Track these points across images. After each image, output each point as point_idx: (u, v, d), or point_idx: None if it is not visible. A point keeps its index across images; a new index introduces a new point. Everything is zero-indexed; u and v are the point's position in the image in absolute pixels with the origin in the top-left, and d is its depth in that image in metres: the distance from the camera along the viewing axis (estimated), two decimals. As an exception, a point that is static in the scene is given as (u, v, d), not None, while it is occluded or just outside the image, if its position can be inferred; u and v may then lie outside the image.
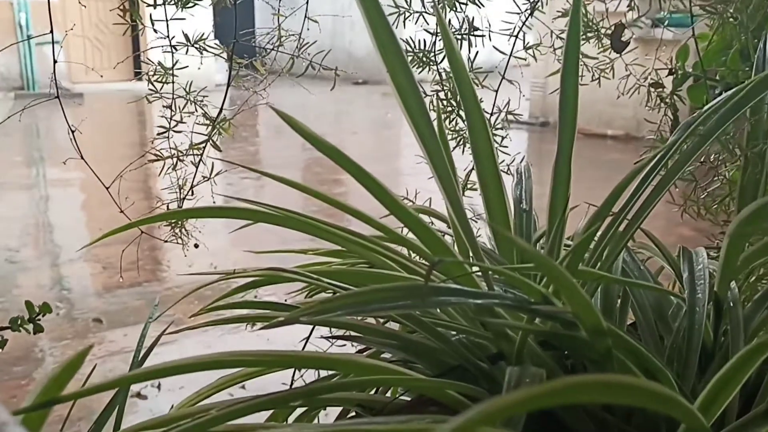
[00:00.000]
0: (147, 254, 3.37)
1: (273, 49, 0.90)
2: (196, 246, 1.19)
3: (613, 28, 1.00)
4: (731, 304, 0.72)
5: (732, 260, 0.66)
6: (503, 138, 1.07)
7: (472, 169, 1.16)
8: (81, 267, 3.28)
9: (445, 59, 0.98)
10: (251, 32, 1.02)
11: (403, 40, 1.02)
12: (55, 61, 0.98)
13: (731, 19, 1.11)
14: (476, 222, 0.95)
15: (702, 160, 0.88)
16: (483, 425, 0.28)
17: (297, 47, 0.92)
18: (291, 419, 0.78)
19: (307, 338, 0.92)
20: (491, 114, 1.09)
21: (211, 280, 0.78)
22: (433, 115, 1.03)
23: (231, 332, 2.44)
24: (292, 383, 0.94)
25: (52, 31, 0.99)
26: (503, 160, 1.10)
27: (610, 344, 0.55)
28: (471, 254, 0.68)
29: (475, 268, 0.69)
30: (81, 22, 9.16)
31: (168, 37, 0.95)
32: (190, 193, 0.94)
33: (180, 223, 0.99)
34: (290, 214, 0.73)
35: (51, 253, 3.53)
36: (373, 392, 0.79)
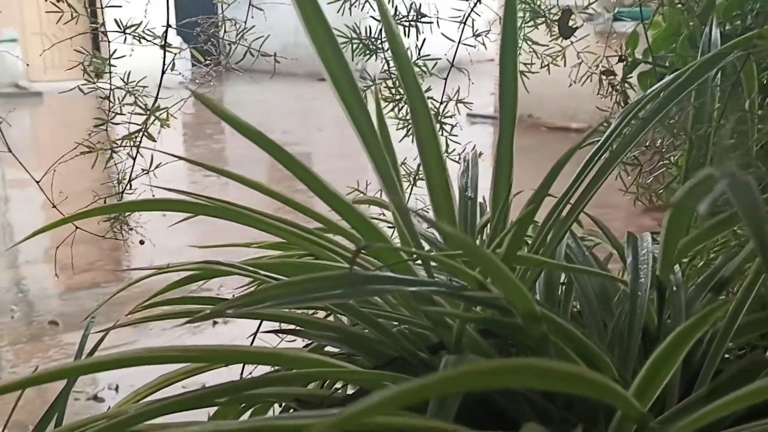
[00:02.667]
0: (107, 254, 3.29)
1: (208, 40, 0.87)
2: (142, 242, 1.15)
3: (560, 13, 0.99)
4: (674, 288, 0.72)
5: (671, 244, 0.66)
6: (453, 126, 1.06)
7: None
8: (38, 268, 3.20)
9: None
10: (198, 21, 0.99)
11: (349, 27, 1.00)
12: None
13: (679, 5, 1.11)
14: (429, 212, 0.93)
15: (647, 144, 0.88)
16: (380, 414, 0.26)
17: (237, 34, 0.89)
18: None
19: (255, 333, 0.89)
20: (441, 102, 1.07)
21: (144, 275, 0.75)
22: (382, 103, 1.01)
23: (192, 331, 2.40)
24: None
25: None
26: (453, 149, 1.09)
27: (545, 330, 0.54)
28: (411, 243, 0.67)
29: (415, 257, 0.67)
30: (39, 19, 8.93)
31: (102, 24, 0.91)
32: (128, 186, 0.91)
33: (120, 218, 0.96)
34: (227, 206, 0.71)
35: (7, 255, 3.44)
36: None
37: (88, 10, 1.06)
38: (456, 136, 1.06)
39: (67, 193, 1.07)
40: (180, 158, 0.64)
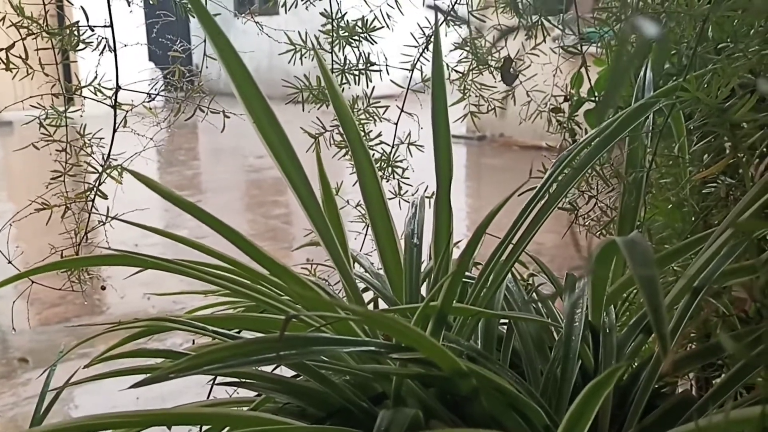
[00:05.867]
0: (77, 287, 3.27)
1: (157, 95, 0.90)
2: (103, 288, 1.17)
3: (502, 62, 1.03)
4: (608, 331, 0.75)
5: (599, 293, 0.69)
6: (404, 170, 1.09)
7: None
8: (6, 304, 3.17)
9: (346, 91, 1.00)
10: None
11: (298, 78, 1.04)
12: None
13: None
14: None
15: (582, 190, 0.92)
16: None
17: (187, 90, 0.92)
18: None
19: (212, 385, 0.91)
20: (392, 146, 1.10)
21: (99, 331, 0.77)
22: (335, 149, 1.03)
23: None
24: None
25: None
26: (407, 190, 1.12)
27: (474, 383, 0.57)
28: (352, 296, 0.69)
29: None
30: (7, 43, 8.86)
31: (59, 78, 0.93)
32: (85, 239, 0.93)
33: (77, 270, 0.98)
34: (173, 265, 0.73)
35: (-24, 291, 3.40)
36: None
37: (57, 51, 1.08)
38: (407, 179, 1.09)
39: (33, 229, 1.08)
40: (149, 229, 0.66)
